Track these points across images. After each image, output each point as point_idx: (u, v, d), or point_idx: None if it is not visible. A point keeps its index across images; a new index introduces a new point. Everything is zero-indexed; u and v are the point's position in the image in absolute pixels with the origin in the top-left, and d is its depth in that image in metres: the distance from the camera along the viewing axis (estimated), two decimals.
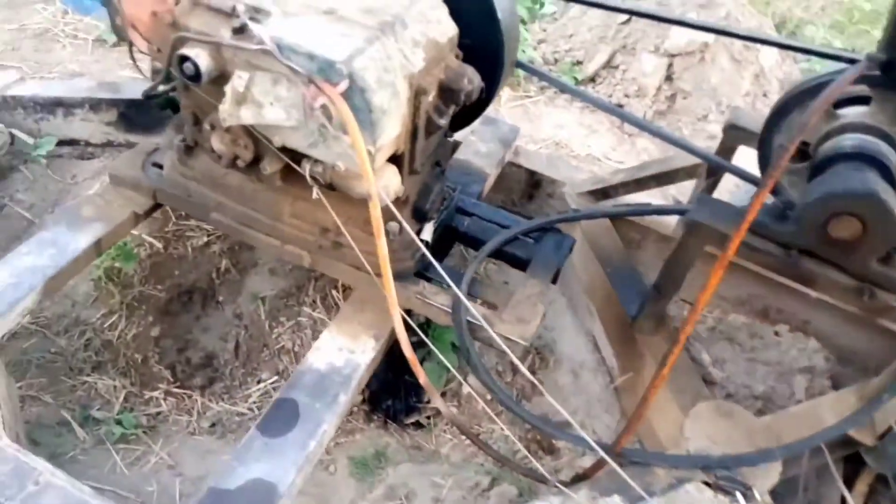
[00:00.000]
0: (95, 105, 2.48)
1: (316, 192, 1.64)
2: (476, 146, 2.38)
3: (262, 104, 1.45)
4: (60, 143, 2.54)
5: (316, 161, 1.57)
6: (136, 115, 2.53)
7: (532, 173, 2.52)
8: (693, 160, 2.13)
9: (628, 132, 3.30)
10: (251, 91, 1.44)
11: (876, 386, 1.87)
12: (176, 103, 1.77)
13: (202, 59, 1.42)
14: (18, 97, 2.45)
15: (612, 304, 2.19)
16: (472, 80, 1.61)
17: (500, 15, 1.68)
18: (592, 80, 3.46)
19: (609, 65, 3.45)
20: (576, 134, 3.24)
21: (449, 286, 1.81)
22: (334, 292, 2.27)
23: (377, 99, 1.40)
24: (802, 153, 1.84)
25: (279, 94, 1.44)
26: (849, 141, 1.66)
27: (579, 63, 3.49)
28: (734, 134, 2.00)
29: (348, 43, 1.40)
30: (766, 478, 1.70)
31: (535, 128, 3.20)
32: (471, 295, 1.84)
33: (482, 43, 1.71)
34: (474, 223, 2.05)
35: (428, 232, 1.87)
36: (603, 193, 2.34)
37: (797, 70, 3.66)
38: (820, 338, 2.16)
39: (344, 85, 1.36)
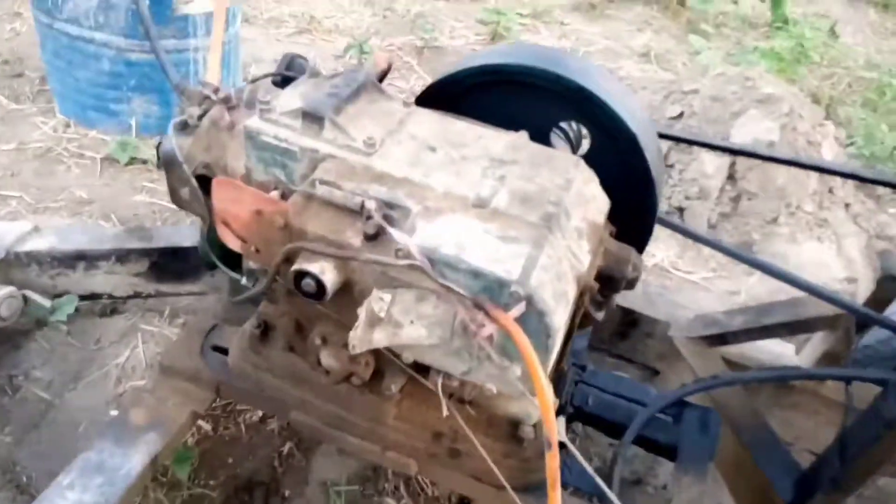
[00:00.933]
0: (123, 257, 2.14)
1: (446, 408, 1.31)
2: None
3: (402, 324, 1.13)
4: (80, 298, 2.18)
5: (449, 375, 1.26)
6: (170, 262, 2.19)
7: (627, 311, 2.23)
8: (833, 309, 1.86)
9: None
10: (390, 311, 1.12)
11: None
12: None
13: (329, 275, 1.10)
14: (34, 253, 2.09)
15: (751, 478, 1.87)
16: (636, 265, 1.32)
17: (653, 172, 1.41)
18: None
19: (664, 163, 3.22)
20: None
21: (592, 496, 1.49)
22: (418, 475, 1.91)
23: (556, 320, 1.09)
24: None
25: (423, 313, 1.12)
26: None
27: None
28: (892, 287, 1.74)
29: (516, 252, 1.09)
30: None
31: None
32: None
33: (633, 202, 1.43)
34: (598, 400, 1.73)
35: (562, 429, 1.55)
36: (720, 339, 2.05)
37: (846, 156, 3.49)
38: None
39: (520, 310, 1.05)
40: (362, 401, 1.48)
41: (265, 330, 1.50)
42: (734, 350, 2.07)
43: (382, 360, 1.28)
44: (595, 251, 1.25)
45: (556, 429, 1.10)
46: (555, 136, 1.47)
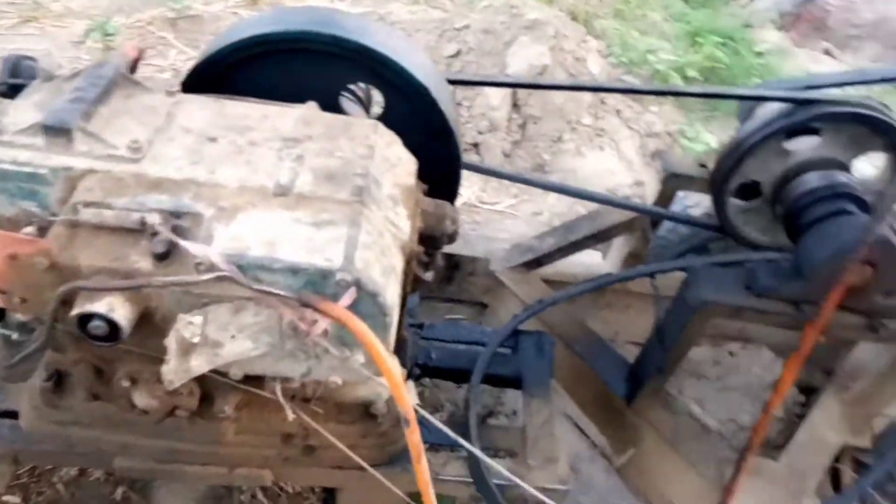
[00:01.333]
0: None
1: (290, 412, 1.22)
2: None
3: (221, 342, 1.02)
4: None
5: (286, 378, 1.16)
6: None
7: (448, 256, 2.24)
8: (629, 213, 2.01)
9: None
10: (205, 333, 0.99)
11: (861, 391, 1.92)
12: None
13: (120, 311, 0.94)
14: None
15: (589, 383, 2.01)
16: (454, 219, 1.30)
17: (451, 122, 1.38)
18: None
19: None
20: None
21: (454, 447, 1.51)
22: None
23: (389, 297, 1.04)
24: (748, 190, 1.80)
25: (244, 324, 1.01)
26: (817, 181, 1.62)
27: None
28: (675, 182, 1.91)
29: (334, 236, 1.01)
30: None
31: None
32: (485, 449, 1.54)
33: (437, 155, 1.39)
34: (440, 352, 1.74)
35: (413, 394, 1.52)
36: (537, 263, 2.14)
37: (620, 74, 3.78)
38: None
39: (350, 297, 0.98)
40: (195, 428, 1.34)
41: (59, 380, 1.28)
42: (550, 270, 2.17)
43: (208, 382, 1.15)
44: (413, 215, 1.21)
45: (411, 404, 1.07)
46: (345, 101, 1.38)
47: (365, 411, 1.39)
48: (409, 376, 1.52)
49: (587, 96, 3.34)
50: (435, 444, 1.56)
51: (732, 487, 1.65)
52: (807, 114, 1.56)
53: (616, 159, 3.27)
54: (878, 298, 1.56)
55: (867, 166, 1.79)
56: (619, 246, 2.18)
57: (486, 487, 1.48)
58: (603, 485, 1.99)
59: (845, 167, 1.67)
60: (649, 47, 4.20)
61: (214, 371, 1.08)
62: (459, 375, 1.75)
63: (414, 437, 1.10)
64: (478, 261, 2.24)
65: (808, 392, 2.18)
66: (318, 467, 1.45)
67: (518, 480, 1.39)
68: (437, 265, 1.30)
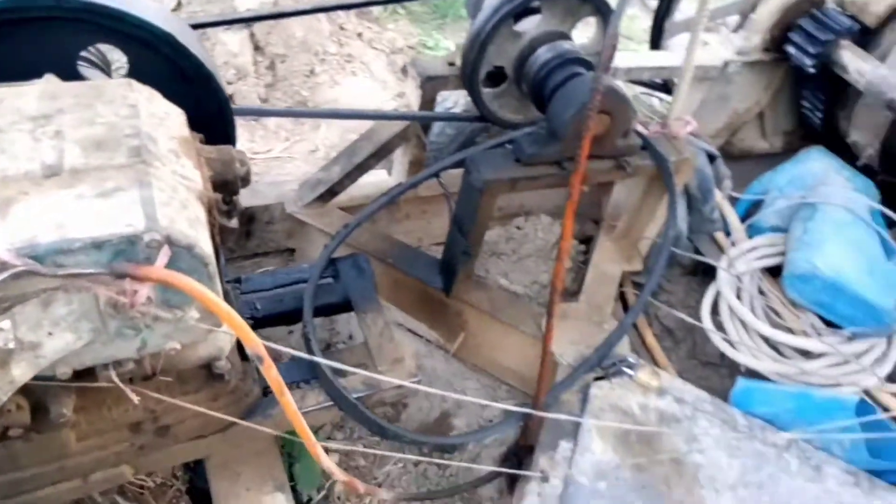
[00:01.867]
0: None
1: (134, 396, 1.18)
2: None
3: (39, 342, 0.95)
4: None
5: (120, 362, 1.12)
6: None
7: (242, 212, 2.19)
8: (400, 124, 2.12)
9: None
10: (18, 337, 0.92)
11: (624, 226, 2.27)
12: None
13: None
14: None
15: (408, 288, 2.14)
16: (242, 160, 1.30)
17: (207, 65, 1.34)
18: None
19: None
20: None
21: (306, 381, 1.57)
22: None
23: (204, 246, 1.03)
24: (495, 77, 1.99)
25: (58, 316, 0.96)
26: (547, 53, 1.84)
27: None
28: (431, 84, 2.03)
29: (127, 201, 0.97)
30: None
31: None
32: (337, 385, 1.60)
33: (201, 102, 1.36)
34: (265, 301, 1.74)
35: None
36: (330, 194, 2.19)
37: None
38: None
39: (166, 255, 0.97)
40: (33, 447, 1.24)
41: None
42: (345, 197, 2.23)
43: (36, 391, 1.07)
44: (199, 164, 1.19)
45: (258, 340, 1.09)
46: (84, 70, 1.28)
47: (209, 375, 1.38)
48: (245, 359, 1.52)
49: (326, 26, 3.34)
50: (288, 383, 1.60)
51: (549, 333, 1.89)
52: None
53: (371, 81, 3.36)
54: (619, 141, 1.85)
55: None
56: (400, 157, 2.29)
57: (346, 403, 1.56)
58: (446, 372, 2.17)
59: (567, 37, 1.91)
60: None
61: (40, 378, 1.02)
62: (290, 317, 1.78)
63: (271, 372, 1.13)
64: (272, 207, 2.23)
65: (587, 242, 2.54)
66: (178, 444, 1.43)
67: (373, 388, 1.50)
68: (238, 210, 1.30)
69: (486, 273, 2.30)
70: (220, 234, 1.26)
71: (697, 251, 2.38)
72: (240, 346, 1.47)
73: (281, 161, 2.95)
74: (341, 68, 3.30)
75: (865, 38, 2.35)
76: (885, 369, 2.00)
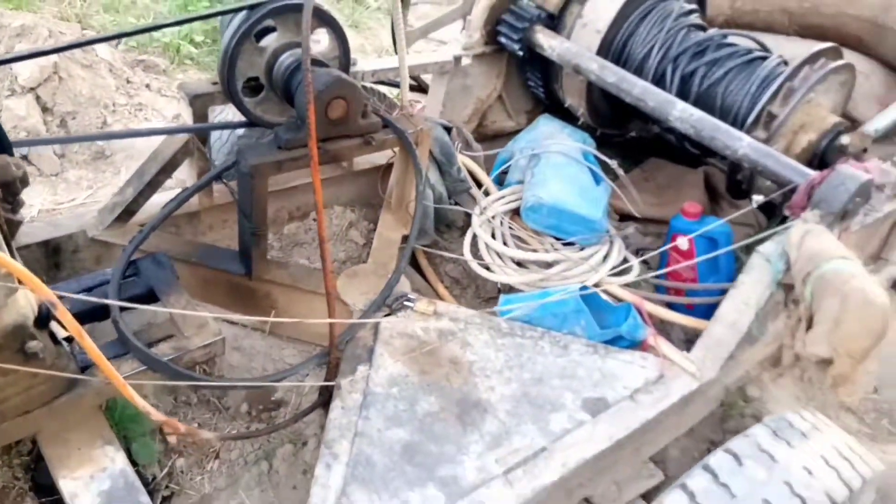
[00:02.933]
0: None
1: None
2: None
3: None
4: None
5: None
6: None
7: (45, 244, 2.38)
8: (182, 140, 2.42)
9: None
10: None
11: (395, 195, 2.70)
12: None
13: None
14: None
15: (214, 282, 2.42)
16: (15, 164, 1.56)
17: None
18: None
19: None
20: None
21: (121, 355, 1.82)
22: None
23: None
24: (253, 87, 2.36)
25: None
26: (289, 59, 2.24)
27: None
28: (201, 101, 2.36)
29: None
30: None
31: None
32: (146, 351, 1.85)
33: None
34: (73, 302, 1.95)
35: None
36: (128, 214, 2.43)
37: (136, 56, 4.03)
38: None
39: None
40: None
41: None
42: (142, 215, 2.47)
43: None
44: None
45: (48, 289, 1.34)
46: None
47: (23, 356, 1.59)
48: (57, 342, 1.73)
49: (111, 81, 3.56)
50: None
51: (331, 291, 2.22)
52: (257, 15, 2.13)
53: (164, 124, 3.61)
54: (361, 122, 2.28)
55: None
56: (189, 171, 2.58)
57: (160, 364, 1.82)
58: (264, 347, 2.47)
59: (298, 44, 2.32)
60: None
61: None
62: (99, 315, 2.01)
63: (66, 316, 1.39)
64: (75, 236, 2.42)
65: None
66: (5, 422, 1.62)
67: (182, 351, 1.78)
68: (20, 205, 1.55)
69: (290, 258, 2.64)
70: (7, 226, 1.51)
71: (464, 211, 2.88)
72: (51, 334, 1.70)
73: (87, 206, 3.12)
74: (133, 116, 3.53)
75: (552, 21, 2.98)
76: (608, 265, 2.55)
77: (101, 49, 3.72)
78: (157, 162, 2.41)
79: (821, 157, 2.51)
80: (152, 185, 2.42)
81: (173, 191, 2.63)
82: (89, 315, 1.99)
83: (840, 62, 2.58)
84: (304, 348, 2.49)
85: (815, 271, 1.84)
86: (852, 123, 2.65)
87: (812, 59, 2.54)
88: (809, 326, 1.84)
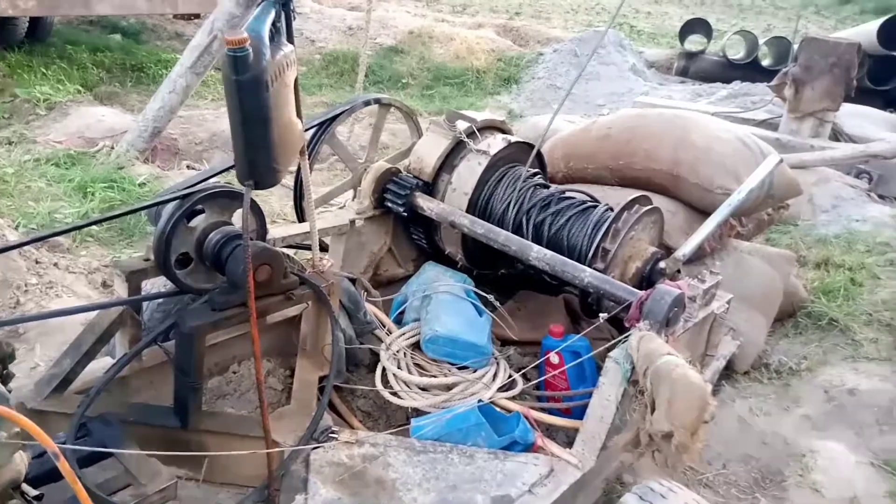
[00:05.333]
0: None
1: None
2: None
3: None
4: None
5: None
6: None
7: None
8: (116, 310, 2.71)
9: None
10: None
11: (312, 339, 3.09)
12: None
13: None
14: None
15: (153, 438, 2.65)
16: (7, 343, 1.84)
17: None
18: None
19: None
20: None
21: None
22: None
23: None
24: (183, 260, 2.74)
25: None
26: (217, 235, 2.66)
27: None
28: (135, 277, 2.70)
29: None
30: None
31: None
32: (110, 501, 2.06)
33: None
34: (32, 465, 2.14)
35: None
36: (65, 383, 2.64)
37: None
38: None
39: None
40: None
41: None
42: (78, 383, 2.68)
43: None
44: None
45: (51, 441, 1.62)
46: None
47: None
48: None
49: (22, 263, 3.77)
50: None
51: (267, 426, 2.54)
52: (190, 202, 2.57)
53: (76, 299, 3.82)
54: (283, 282, 2.71)
55: None
56: (121, 340, 2.85)
57: None
58: (202, 495, 2.67)
59: (229, 223, 2.77)
60: (51, 210, 4.78)
61: None
62: (56, 476, 2.19)
63: (66, 465, 1.65)
64: (14, 408, 2.58)
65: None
66: None
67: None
68: (11, 377, 1.82)
69: (218, 407, 2.90)
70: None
71: (371, 349, 3.30)
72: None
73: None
74: (45, 294, 3.72)
75: (428, 187, 3.64)
76: (497, 382, 3.05)
77: (8, 233, 3.94)
78: (93, 334, 2.68)
79: (647, 279, 3.22)
80: (89, 355, 2.67)
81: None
82: (46, 477, 2.17)
83: (649, 206, 3.38)
84: (238, 491, 2.71)
85: (651, 366, 2.42)
86: (667, 251, 3.42)
87: (629, 205, 3.31)
88: (653, 410, 2.39)
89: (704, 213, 3.76)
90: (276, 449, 2.47)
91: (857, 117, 8.70)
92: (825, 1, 29.58)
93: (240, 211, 2.83)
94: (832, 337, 4.44)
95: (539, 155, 3.87)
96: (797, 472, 3.39)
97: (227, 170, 3.19)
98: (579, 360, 2.92)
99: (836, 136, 7.85)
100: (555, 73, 11.38)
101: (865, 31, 10.29)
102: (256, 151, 2.13)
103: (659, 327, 2.71)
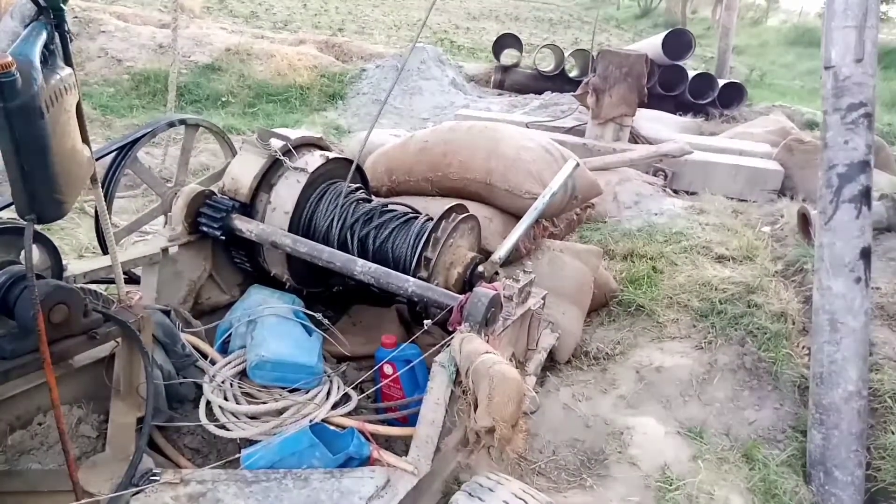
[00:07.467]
0: None
1: None
2: None
3: None
4: None
5: None
6: None
7: None
8: None
9: None
10: None
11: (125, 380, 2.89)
12: None
13: None
14: None
15: None
16: None
17: None
18: None
19: None
20: None
21: None
22: None
23: None
24: None
25: None
26: (2, 276, 2.42)
27: None
28: None
29: None
30: None
31: None
32: None
33: None
34: None
35: None
36: None
37: None
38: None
39: None
40: None
41: None
42: None
43: None
44: None
45: None
46: None
47: None
48: None
49: None
50: None
51: (75, 479, 2.33)
52: None
53: None
54: (83, 321, 2.51)
55: None
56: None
57: None
58: None
59: (16, 262, 2.51)
60: None
61: None
62: None
63: None
64: None
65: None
66: None
67: None
68: None
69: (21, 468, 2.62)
70: None
71: (195, 383, 3.14)
72: None
73: None
74: None
75: (246, 208, 3.54)
76: (331, 401, 3.03)
77: None
78: None
79: (469, 283, 3.36)
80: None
81: None
82: None
83: (465, 214, 3.54)
84: None
85: (472, 365, 2.54)
86: (487, 255, 3.60)
87: (446, 214, 3.44)
88: (476, 407, 2.50)
89: (517, 217, 4.00)
90: (88, 500, 2.28)
91: (652, 121, 9.72)
92: (624, 15, 32.77)
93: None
94: (641, 321, 4.90)
95: (360, 169, 3.90)
96: (617, 450, 3.69)
97: (7, 206, 2.92)
98: (408, 366, 2.98)
99: (635, 138, 8.70)
100: (379, 89, 11.55)
101: (653, 44, 11.50)
102: (35, 183, 1.96)
103: (479, 328, 2.85)
